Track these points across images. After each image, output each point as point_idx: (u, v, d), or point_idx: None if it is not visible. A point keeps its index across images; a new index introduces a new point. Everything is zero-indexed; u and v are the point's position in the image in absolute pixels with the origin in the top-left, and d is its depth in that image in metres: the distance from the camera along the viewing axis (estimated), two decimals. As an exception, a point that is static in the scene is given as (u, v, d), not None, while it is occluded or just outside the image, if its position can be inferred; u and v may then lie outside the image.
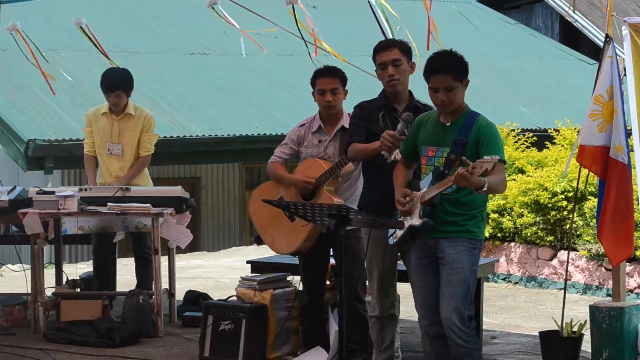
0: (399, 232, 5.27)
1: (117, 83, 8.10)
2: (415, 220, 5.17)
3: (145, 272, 8.14)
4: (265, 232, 6.49)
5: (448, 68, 5.11)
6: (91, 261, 8.68)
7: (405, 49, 5.79)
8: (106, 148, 8.14)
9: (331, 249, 6.37)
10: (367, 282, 6.13)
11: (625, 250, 6.11)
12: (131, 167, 8.14)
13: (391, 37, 6.56)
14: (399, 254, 5.81)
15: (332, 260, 6.51)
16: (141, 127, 8.17)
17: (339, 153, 6.23)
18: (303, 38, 7.12)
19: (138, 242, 8.26)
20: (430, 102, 5.83)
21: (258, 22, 7.79)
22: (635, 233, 9.13)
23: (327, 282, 6.67)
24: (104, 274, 8.33)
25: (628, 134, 6.14)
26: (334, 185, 6.25)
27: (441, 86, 5.11)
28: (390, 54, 5.73)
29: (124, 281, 9.33)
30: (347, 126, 6.22)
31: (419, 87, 5.84)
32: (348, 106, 6.29)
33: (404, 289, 6.06)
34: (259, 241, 6.65)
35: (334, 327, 6.34)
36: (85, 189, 7.66)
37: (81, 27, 8.27)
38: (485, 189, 4.85)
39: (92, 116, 8.28)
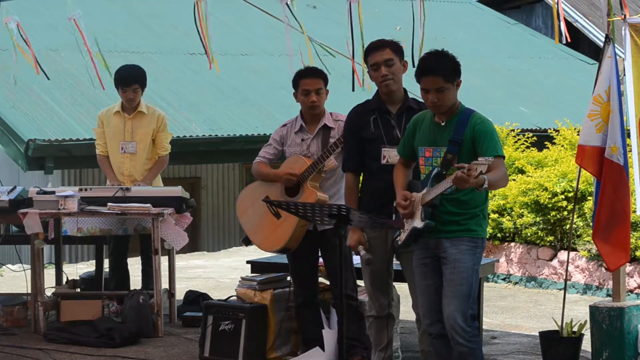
0: (403, 235, 5.28)
1: (135, 78, 8.10)
2: (417, 223, 5.17)
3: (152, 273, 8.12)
4: (253, 232, 6.53)
5: (438, 70, 5.11)
6: (92, 261, 8.70)
7: (396, 48, 5.80)
8: (119, 147, 8.14)
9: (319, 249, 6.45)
10: (360, 281, 6.17)
11: (622, 256, 6.09)
12: (152, 168, 8.16)
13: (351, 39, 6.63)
14: (394, 254, 5.81)
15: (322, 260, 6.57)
16: (155, 127, 8.17)
17: (322, 150, 6.29)
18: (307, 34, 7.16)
19: (147, 242, 8.18)
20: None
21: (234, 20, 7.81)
22: (635, 234, 9.20)
23: (327, 282, 6.69)
24: (121, 274, 8.34)
25: (627, 134, 6.14)
26: (318, 181, 6.31)
27: (431, 87, 5.11)
28: (383, 54, 5.74)
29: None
30: (329, 124, 6.35)
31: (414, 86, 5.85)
32: (343, 107, 6.32)
33: (404, 289, 6.06)
34: (247, 242, 6.68)
35: (326, 327, 6.36)
36: (85, 189, 7.66)
37: (75, 20, 8.17)
38: (485, 186, 4.86)
39: (104, 116, 8.27)
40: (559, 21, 6.36)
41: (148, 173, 8.14)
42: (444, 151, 5.17)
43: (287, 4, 7.24)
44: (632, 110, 6.10)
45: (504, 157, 5.18)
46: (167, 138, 8.30)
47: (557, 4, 6.36)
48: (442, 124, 5.22)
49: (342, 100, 7.63)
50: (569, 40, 6.48)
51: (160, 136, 8.21)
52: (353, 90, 7.18)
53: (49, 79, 8.84)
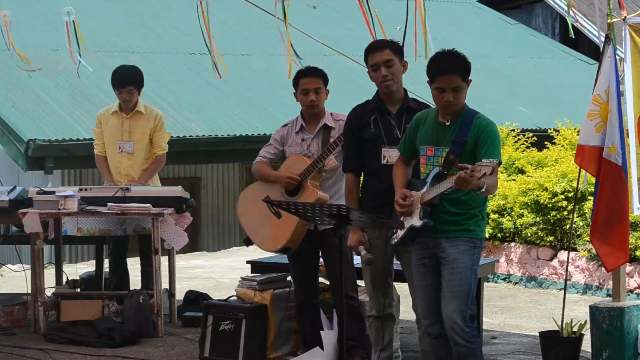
0: (400, 233, 5.27)
1: (130, 79, 8.11)
2: (415, 221, 5.17)
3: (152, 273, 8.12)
4: (254, 233, 6.52)
5: (456, 68, 5.10)
6: (92, 261, 8.69)
7: (396, 48, 5.78)
8: (117, 146, 8.14)
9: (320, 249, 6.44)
10: (360, 281, 6.16)
11: (620, 256, 6.09)
12: (148, 168, 8.16)
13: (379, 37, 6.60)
14: (395, 253, 5.81)
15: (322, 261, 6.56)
16: (152, 126, 8.17)
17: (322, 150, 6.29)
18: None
19: (146, 242, 8.17)
20: (425, 100, 5.83)
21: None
22: (635, 233, 9.20)
23: (327, 282, 6.68)
24: (121, 274, 8.34)
25: (627, 134, 6.13)
26: (318, 180, 6.30)
27: (449, 87, 5.09)
28: (382, 54, 5.72)
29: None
30: (329, 124, 6.35)
31: (413, 86, 5.84)
32: (344, 106, 6.31)
33: (404, 289, 6.07)
34: (248, 242, 6.67)
35: (326, 328, 6.36)
36: (85, 189, 7.66)
37: (72, 21, 8.13)
38: (483, 190, 4.87)
39: (102, 117, 8.29)
40: (569, 17, 6.38)
41: (145, 172, 8.13)
42: (446, 151, 5.17)
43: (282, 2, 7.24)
44: (630, 110, 6.10)
45: (500, 163, 5.19)
46: (165, 138, 8.29)
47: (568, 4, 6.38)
48: (447, 123, 5.20)
49: (342, 100, 7.63)
50: (572, 35, 6.49)
51: (158, 135, 8.21)
52: None
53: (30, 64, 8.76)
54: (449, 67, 5.09)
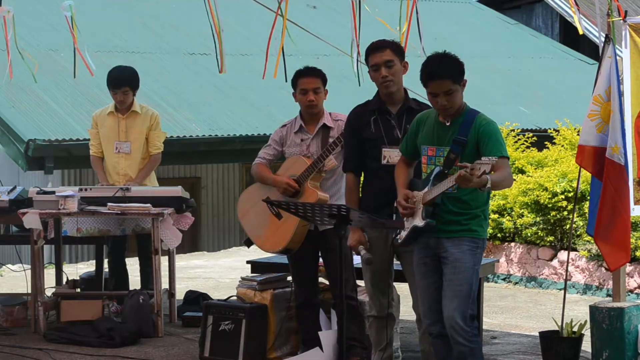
0: (403, 233, 5.28)
1: (124, 79, 8.12)
2: (418, 221, 5.17)
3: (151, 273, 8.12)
4: (255, 234, 6.52)
5: (446, 73, 5.10)
6: (92, 261, 8.69)
7: (397, 49, 5.78)
8: (114, 147, 8.14)
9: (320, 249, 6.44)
10: (360, 281, 6.17)
11: (623, 256, 6.09)
12: (143, 167, 8.15)
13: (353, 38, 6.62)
14: (395, 254, 5.81)
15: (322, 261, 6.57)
16: (148, 126, 8.18)
17: (321, 150, 6.29)
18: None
19: (145, 242, 8.19)
20: (426, 101, 5.83)
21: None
22: (635, 234, 9.20)
23: (327, 282, 6.69)
24: (120, 275, 8.35)
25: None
26: (318, 180, 6.31)
27: (441, 91, 5.10)
28: (383, 55, 5.72)
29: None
30: (328, 124, 6.35)
31: (415, 86, 5.84)
32: (344, 107, 6.31)
33: (404, 289, 6.07)
34: (249, 243, 6.67)
35: (325, 328, 6.36)
36: (85, 189, 7.65)
37: (69, 16, 8.11)
38: (488, 186, 4.86)
39: (98, 117, 8.29)
40: (576, 14, 6.38)
41: (140, 172, 8.13)
42: (447, 150, 5.18)
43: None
44: (628, 111, 6.10)
45: (508, 158, 5.18)
46: (160, 137, 8.28)
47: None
48: (447, 123, 5.21)
49: (341, 100, 7.63)
50: (581, 32, 6.50)
51: (153, 135, 8.22)
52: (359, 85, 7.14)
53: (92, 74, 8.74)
54: (438, 72, 5.10)
